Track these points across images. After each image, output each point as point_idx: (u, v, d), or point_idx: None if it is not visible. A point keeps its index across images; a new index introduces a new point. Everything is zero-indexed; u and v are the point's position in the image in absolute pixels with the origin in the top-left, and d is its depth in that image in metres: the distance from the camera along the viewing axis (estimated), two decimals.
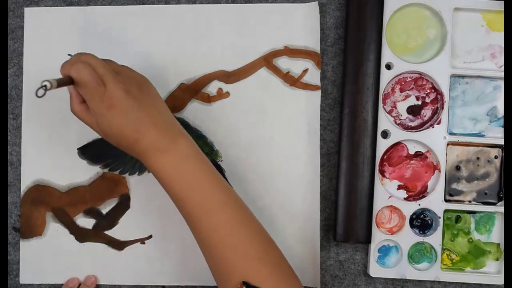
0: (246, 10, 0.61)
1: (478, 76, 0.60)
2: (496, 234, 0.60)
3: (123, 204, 0.61)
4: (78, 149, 0.62)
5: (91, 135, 0.61)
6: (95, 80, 0.47)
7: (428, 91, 0.60)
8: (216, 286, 0.61)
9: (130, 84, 0.49)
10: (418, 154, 0.60)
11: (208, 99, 0.61)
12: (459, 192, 0.60)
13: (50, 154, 0.62)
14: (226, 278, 0.49)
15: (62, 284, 0.61)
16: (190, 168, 0.50)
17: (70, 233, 0.61)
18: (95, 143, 0.61)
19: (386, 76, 0.59)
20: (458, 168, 0.60)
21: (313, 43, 0.61)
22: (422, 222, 0.60)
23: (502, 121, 0.60)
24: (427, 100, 0.60)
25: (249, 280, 0.47)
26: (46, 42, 0.62)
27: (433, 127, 0.59)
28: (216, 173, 0.51)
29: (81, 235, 0.61)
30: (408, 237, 0.59)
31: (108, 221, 0.61)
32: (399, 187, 0.60)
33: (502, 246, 0.60)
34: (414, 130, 0.59)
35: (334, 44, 0.61)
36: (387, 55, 0.59)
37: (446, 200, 0.59)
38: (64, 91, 0.62)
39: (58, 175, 0.61)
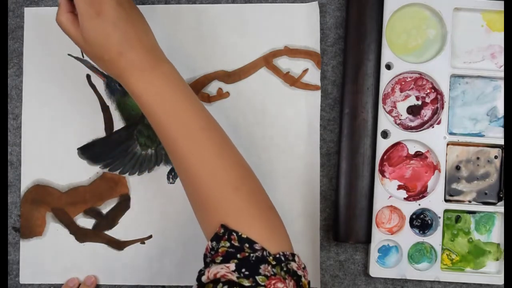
0: (246, 10, 0.61)
1: (478, 76, 0.60)
2: (496, 234, 0.60)
3: (123, 204, 0.61)
4: (78, 149, 0.62)
5: (91, 135, 0.61)
6: None
7: (428, 91, 0.60)
8: None
9: None
10: (418, 154, 0.60)
11: (208, 99, 0.61)
12: (459, 192, 0.60)
13: (50, 154, 0.62)
14: (205, 215, 0.48)
15: (62, 284, 0.61)
16: (171, 90, 0.49)
17: (70, 233, 0.61)
18: (95, 143, 0.62)
19: (386, 76, 0.59)
20: (458, 168, 0.60)
21: (313, 43, 0.61)
22: (422, 222, 0.60)
23: (502, 121, 0.60)
24: (427, 100, 0.60)
25: (227, 215, 0.46)
26: (46, 42, 0.62)
27: (433, 127, 0.59)
28: (197, 99, 0.51)
29: (81, 235, 0.61)
30: (408, 237, 0.59)
31: (108, 221, 0.61)
32: (399, 187, 0.60)
33: (502, 246, 0.60)
34: (414, 130, 0.59)
35: (334, 44, 0.61)
36: (387, 55, 0.59)
37: (446, 200, 0.59)
38: (64, 90, 0.62)
39: (58, 175, 0.61)
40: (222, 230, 0.45)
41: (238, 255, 0.44)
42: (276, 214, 0.49)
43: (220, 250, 0.45)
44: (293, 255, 0.46)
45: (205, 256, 0.47)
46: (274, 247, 0.45)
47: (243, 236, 0.45)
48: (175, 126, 0.48)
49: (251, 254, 0.44)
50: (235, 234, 0.45)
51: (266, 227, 0.47)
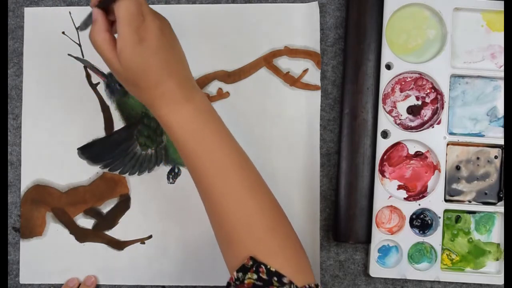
0: (246, 10, 0.61)
1: (478, 76, 0.60)
2: (496, 234, 0.60)
3: (123, 204, 0.61)
4: (78, 149, 0.62)
5: (91, 135, 0.61)
6: (138, 5, 0.45)
7: (428, 91, 0.60)
8: (215, 286, 0.61)
9: (165, 24, 0.47)
10: (418, 154, 0.60)
11: (208, 99, 0.61)
12: (459, 192, 0.60)
13: (50, 154, 0.62)
14: (233, 250, 0.47)
15: (62, 284, 0.61)
16: (204, 123, 0.48)
17: (70, 233, 0.61)
18: (95, 143, 0.62)
19: (386, 76, 0.59)
20: (458, 168, 0.60)
21: (313, 43, 0.61)
22: (422, 222, 0.60)
23: (502, 121, 0.60)
24: (427, 100, 0.60)
25: (257, 252, 0.46)
26: (46, 42, 0.62)
27: (433, 127, 0.59)
28: (230, 133, 0.50)
29: (81, 235, 0.61)
30: (408, 237, 0.59)
31: (108, 221, 0.61)
32: (399, 187, 0.60)
33: (502, 246, 0.60)
34: (414, 130, 0.59)
35: (334, 44, 0.61)
36: (387, 55, 0.59)
37: (446, 200, 0.59)
38: (64, 90, 0.62)
39: (58, 175, 0.61)
40: (250, 262, 0.45)
41: None
42: (305, 253, 0.49)
43: (246, 282, 0.45)
44: (317, 286, 0.46)
45: (229, 284, 0.47)
46: (301, 281, 0.45)
47: (271, 269, 0.45)
48: (209, 164, 0.47)
49: None
50: (263, 267, 0.45)
51: (296, 266, 0.47)
